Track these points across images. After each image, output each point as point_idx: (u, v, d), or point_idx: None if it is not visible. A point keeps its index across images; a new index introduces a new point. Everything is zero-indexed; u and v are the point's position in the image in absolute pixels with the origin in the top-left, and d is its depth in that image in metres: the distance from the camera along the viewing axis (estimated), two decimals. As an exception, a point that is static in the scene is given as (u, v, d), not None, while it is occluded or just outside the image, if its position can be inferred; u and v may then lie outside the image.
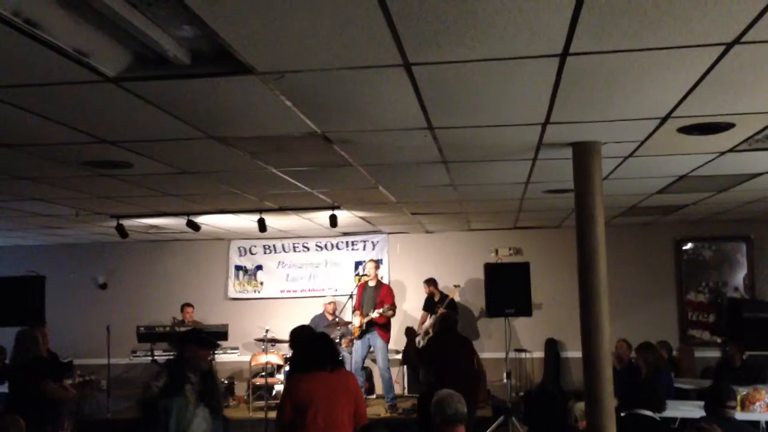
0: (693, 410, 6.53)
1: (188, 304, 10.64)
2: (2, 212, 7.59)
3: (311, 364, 4.69)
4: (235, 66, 3.00)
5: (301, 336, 5.38)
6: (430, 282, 10.21)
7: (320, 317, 10.08)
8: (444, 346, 7.23)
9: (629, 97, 3.62)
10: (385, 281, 10.40)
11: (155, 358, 9.86)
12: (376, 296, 9.58)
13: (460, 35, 2.69)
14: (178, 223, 8.59)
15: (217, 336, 9.72)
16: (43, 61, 2.87)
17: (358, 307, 9.76)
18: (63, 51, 2.76)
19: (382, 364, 9.43)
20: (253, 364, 10.04)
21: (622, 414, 4.96)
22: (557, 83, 3.35)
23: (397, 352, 10.45)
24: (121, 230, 8.30)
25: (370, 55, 2.93)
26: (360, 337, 9.52)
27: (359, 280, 10.62)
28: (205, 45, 2.87)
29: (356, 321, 9.57)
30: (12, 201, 6.85)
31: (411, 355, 9.92)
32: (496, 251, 10.67)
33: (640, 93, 3.55)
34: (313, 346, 4.86)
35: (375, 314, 9.37)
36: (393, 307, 9.44)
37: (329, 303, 10.24)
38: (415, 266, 10.92)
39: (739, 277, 10.50)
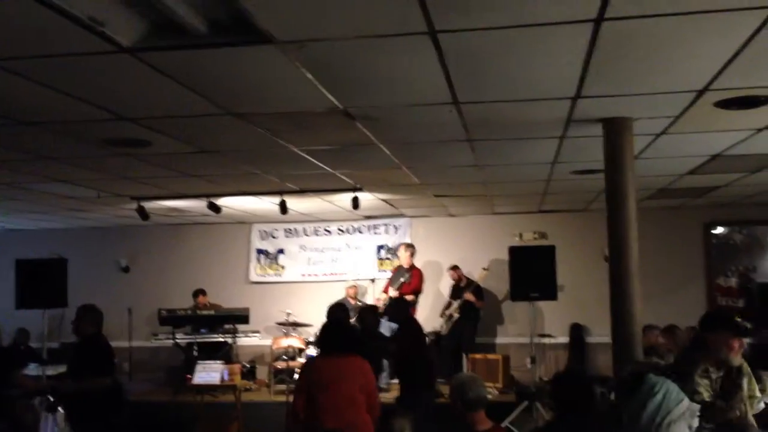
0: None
1: (201, 291, 10.53)
2: (27, 194, 7.59)
3: (323, 347, 4.79)
4: (253, 34, 2.89)
5: (331, 312, 5.44)
6: (456, 268, 10.04)
7: (342, 301, 9.99)
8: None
9: (666, 67, 3.45)
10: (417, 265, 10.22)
11: (177, 341, 9.85)
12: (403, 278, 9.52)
13: (489, -2, 2.55)
14: (199, 205, 8.54)
15: (237, 319, 9.71)
16: (57, 30, 2.78)
17: (386, 290, 9.69)
18: (77, 19, 2.67)
19: None
20: (274, 347, 9.99)
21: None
22: (590, 52, 3.19)
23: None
24: (142, 212, 8.28)
25: (394, 22, 2.80)
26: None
27: (382, 264, 10.48)
28: (222, 12, 2.76)
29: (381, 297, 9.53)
30: (36, 183, 6.84)
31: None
32: (521, 235, 10.46)
33: (678, 63, 3.38)
34: (326, 329, 4.87)
35: (392, 292, 9.32)
36: (410, 282, 9.37)
37: (351, 287, 10.16)
38: (438, 250, 10.75)
39: (770, 261, 10.24)
